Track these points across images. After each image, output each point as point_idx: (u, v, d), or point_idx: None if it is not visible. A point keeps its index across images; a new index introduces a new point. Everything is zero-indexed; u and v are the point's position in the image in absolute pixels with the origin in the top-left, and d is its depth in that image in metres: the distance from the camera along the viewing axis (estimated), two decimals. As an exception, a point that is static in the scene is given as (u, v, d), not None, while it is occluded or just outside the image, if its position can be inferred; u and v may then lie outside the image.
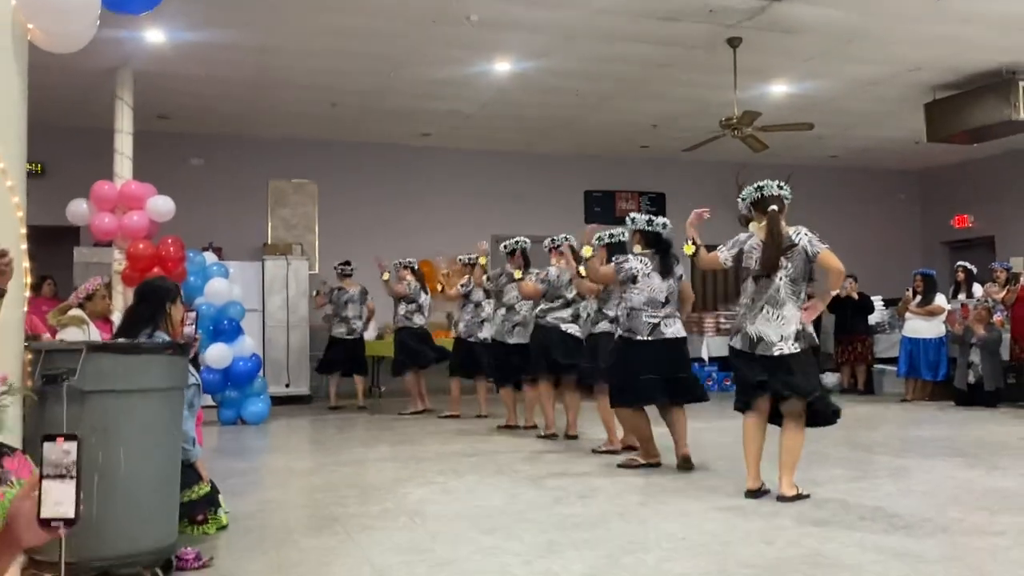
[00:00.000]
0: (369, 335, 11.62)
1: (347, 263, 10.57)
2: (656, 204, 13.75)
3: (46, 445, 1.49)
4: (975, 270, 10.99)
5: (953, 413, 9.26)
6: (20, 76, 3.09)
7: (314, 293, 10.97)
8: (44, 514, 1.45)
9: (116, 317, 6.93)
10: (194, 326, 4.53)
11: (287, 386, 11.25)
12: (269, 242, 12.10)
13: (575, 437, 7.40)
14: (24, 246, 3.05)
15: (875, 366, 11.73)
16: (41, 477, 1.45)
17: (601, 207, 13.56)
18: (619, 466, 6.06)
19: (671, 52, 8.75)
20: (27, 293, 3.15)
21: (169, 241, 8.40)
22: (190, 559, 3.58)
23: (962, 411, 9.33)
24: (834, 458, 6.25)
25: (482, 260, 8.68)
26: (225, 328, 8.89)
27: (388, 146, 12.59)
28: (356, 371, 10.59)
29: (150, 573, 3.26)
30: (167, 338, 3.82)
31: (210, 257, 9.59)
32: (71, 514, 1.44)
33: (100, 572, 3.19)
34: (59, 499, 1.45)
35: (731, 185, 13.12)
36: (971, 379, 9.73)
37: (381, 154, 12.63)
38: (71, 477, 1.45)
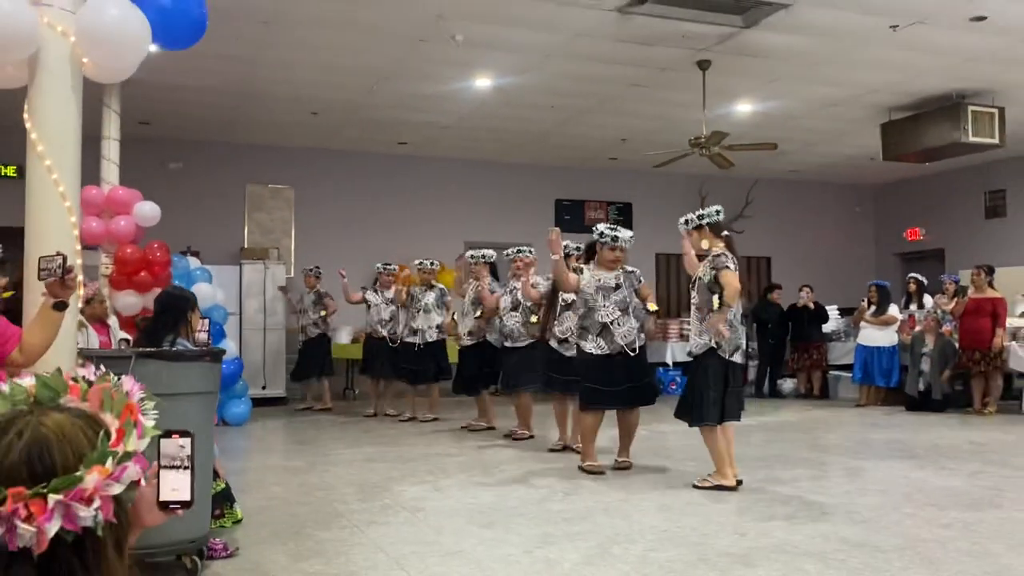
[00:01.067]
0: (345, 339, 11.91)
1: (317, 267, 10.95)
2: (623, 213, 14.21)
3: (163, 441, 1.73)
4: (926, 281, 11.51)
5: (904, 418, 9.75)
6: (77, 108, 3.37)
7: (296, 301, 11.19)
8: (162, 498, 1.71)
9: (112, 321, 7.13)
10: (207, 333, 4.80)
11: (263, 388, 11.48)
12: (246, 246, 12.30)
13: (532, 437, 7.90)
14: (80, 261, 3.34)
15: (830, 372, 12.23)
16: (160, 468, 1.72)
17: (571, 215, 13.98)
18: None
19: (644, 73, 9.17)
20: (80, 303, 3.43)
21: (155, 246, 8.59)
22: (219, 549, 3.89)
23: (913, 416, 9.84)
24: (796, 459, 6.70)
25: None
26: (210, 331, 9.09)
27: (364, 154, 12.87)
28: (328, 372, 11.00)
29: (189, 561, 3.57)
30: (188, 345, 4.10)
31: (193, 261, 9.79)
32: (188, 498, 1.71)
33: (142, 558, 3.48)
34: (175, 486, 1.71)
35: (695, 196, 13.62)
36: (921, 386, 10.26)
37: (357, 161, 12.91)
38: (185, 468, 1.73)
